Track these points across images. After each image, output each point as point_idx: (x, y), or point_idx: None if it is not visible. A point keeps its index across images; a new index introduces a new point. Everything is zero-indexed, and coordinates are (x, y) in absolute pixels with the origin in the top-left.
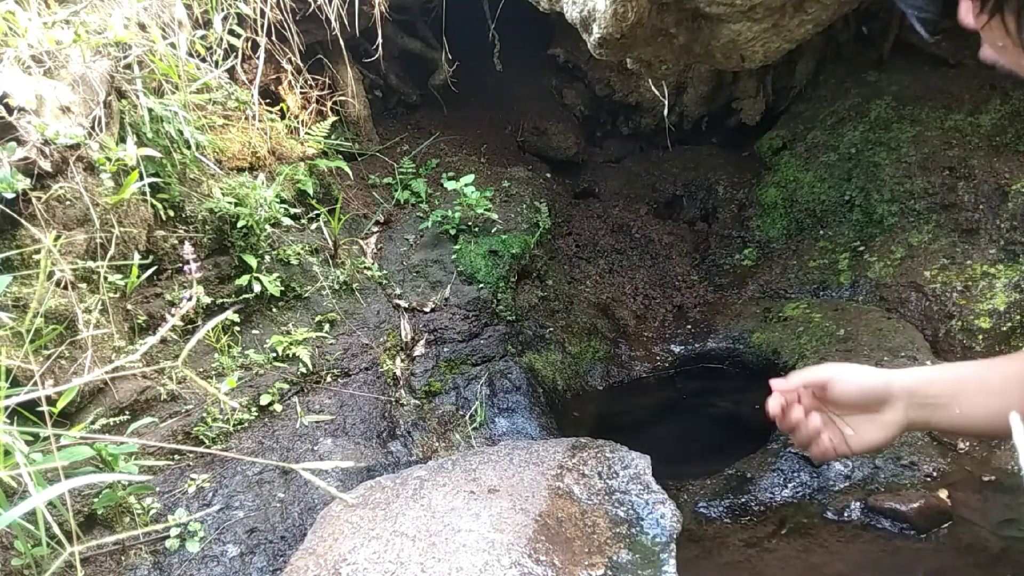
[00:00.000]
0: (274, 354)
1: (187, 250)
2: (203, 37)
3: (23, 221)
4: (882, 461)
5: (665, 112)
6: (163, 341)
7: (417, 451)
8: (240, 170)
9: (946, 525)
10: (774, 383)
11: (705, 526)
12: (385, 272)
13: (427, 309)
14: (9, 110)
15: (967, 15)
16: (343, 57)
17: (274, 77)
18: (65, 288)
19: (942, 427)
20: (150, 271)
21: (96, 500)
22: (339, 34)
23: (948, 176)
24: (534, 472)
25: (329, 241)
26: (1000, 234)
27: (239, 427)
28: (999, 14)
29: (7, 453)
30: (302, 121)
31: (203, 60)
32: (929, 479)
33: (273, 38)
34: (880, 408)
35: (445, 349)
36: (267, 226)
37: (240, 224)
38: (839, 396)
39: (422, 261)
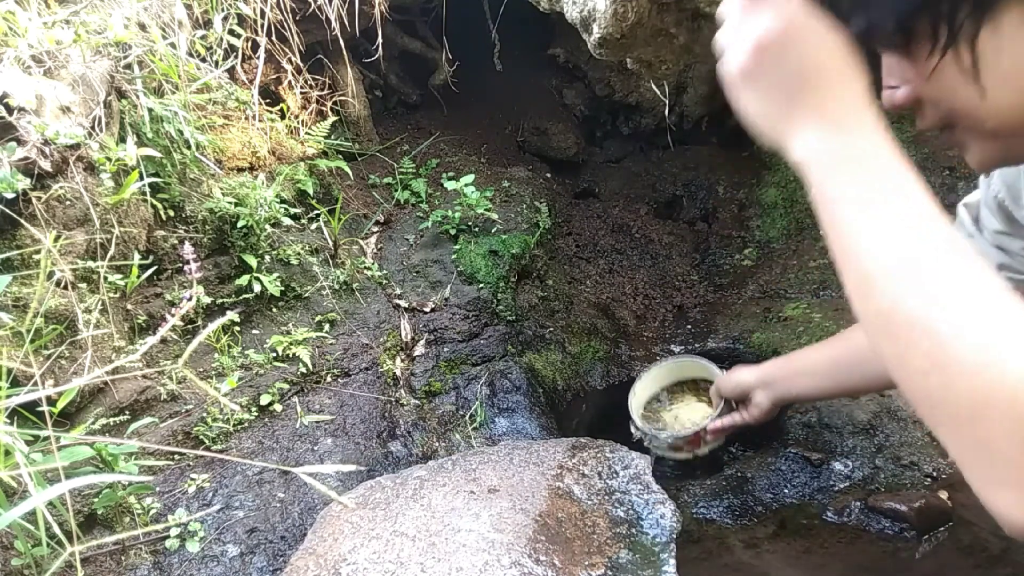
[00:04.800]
0: (274, 354)
1: (187, 250)
2: (203, 37)
3: (23, 221)
4: (882, 461)
5: (666, 112)
6: (163, 341)
7: (417, 451)
8: (240, 170)
9: (946, 526)
10: (713, 394)
11: (705, 527)
12: (385, 272)
13: (427, 309)
14: (9, 110)
15: (903, 85)
16: (343, 57)
17: (274, 77)
18: (65, 288)
19: (792, 400)
20: (150, 271)
21: (96, 500)
22: (339, 34)
23: (948, 176)
24: (534, 472)
25: (329, 241)
26: None
27: (239, 427)
28: (953, 48)
29: (7, 453)
30: (302, 121)
31: (203, 60)
32: (929, 479)
33: (273, 38)
34: (749, 396)
35: (445, 349)
36: (267, 226)
37: (240, 224)
38: (728, 395)
39: (422, 261)
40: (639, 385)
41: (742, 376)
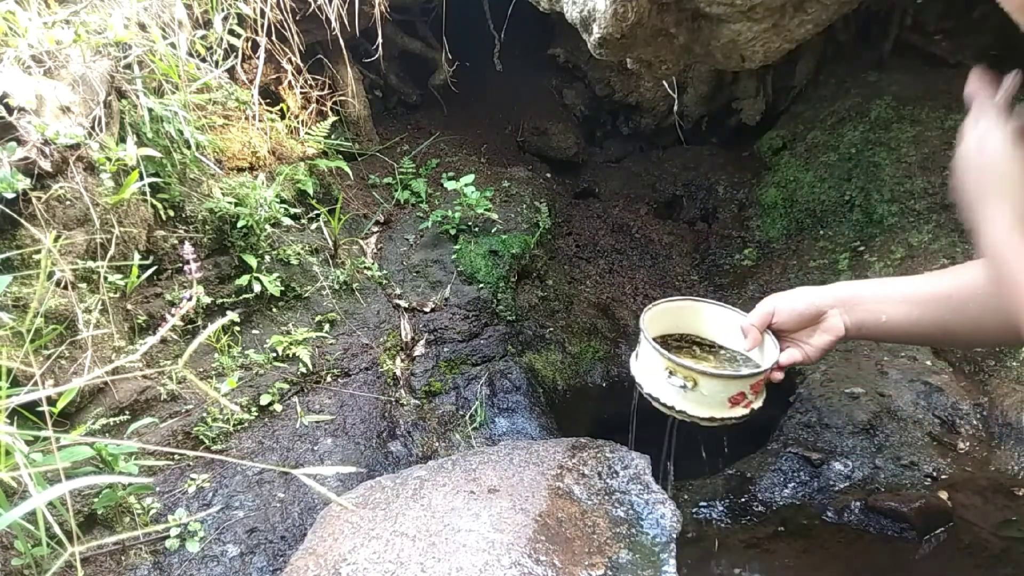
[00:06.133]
0: (274, 354)
1: (187, 250)
2: (203, 37)
3: (23, 221)
4: (882, 461)
5: (676, 107)
6: (163, 341)
7: (417, 451)
8: (240, 170)
9: (946, 526)
10: (742, 324)
11: (705, 527)
12: (385, 272)
13: (427, 309)
14: (9, 110)
15: None
16: (343, 57)
17: (274, 77)
18: (65, 288)
19: (873, 333)
20: (150, 271)
21: (96, 500)
22: (339, 34)
23: (948, 176)
24: (534, 472)
25: (329, 241)
26: None
27: (239, 427)
28: None
29: (7, 453)
30: (302, 121)
31: (203, 60)
32: (929, 479)
33: (273, 38)
34: (820, 320)
35: (445, 349)
36: (267, 226)
37: (240, 224)
38: (784, 322)
39: (422, 261)
40: (647, 328)
41: (812, 294)
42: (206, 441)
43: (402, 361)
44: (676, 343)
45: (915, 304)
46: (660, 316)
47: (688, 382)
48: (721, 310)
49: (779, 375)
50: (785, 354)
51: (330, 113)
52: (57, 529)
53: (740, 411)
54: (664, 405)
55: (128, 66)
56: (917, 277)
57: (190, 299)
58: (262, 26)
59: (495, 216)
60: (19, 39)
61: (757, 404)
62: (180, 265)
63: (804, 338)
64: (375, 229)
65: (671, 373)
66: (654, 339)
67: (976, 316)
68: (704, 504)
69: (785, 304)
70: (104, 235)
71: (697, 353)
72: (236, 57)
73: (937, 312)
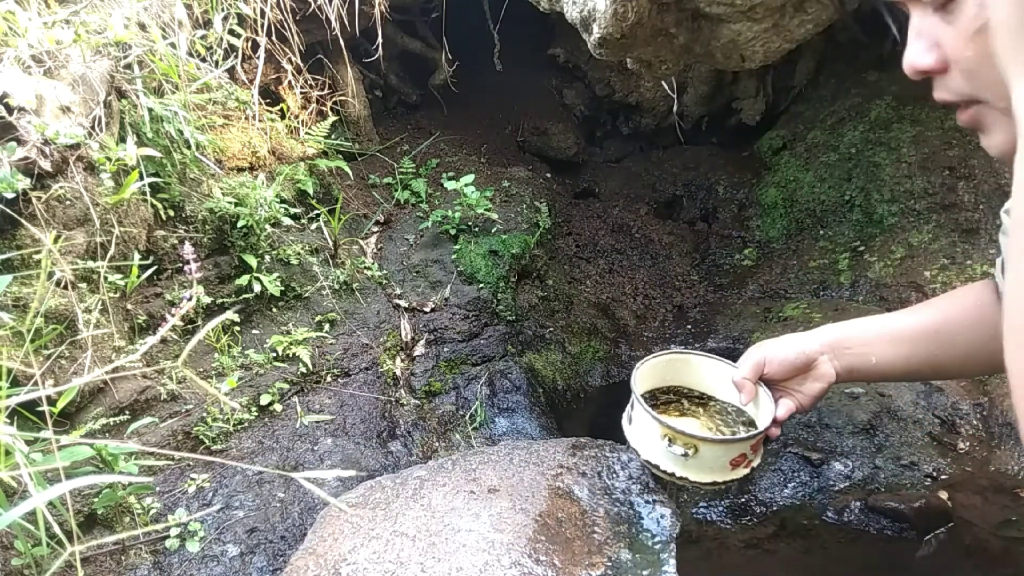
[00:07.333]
0: (274, 354)
1: (187, 250)
2: (203, 37)
3: (23, 221)
4: (882, 461)
5: (675, 107)
6: (163, 341)
7: (417, 451)
8: (240, 170)
9: (946, 526)
10: (735, 379)
11: (705, 527)
12: (385, 272)
13: (427, 309)
14: (9, 110)
15: (931, 48)
16: (343, 57)
17: (274, 77)
18: (65, 288)
19: (864, 375)
20: (150, 271)
21: (96, 500)
22: (339, 34)
23: (948, 176)
24: (534, 472)
25: (329, 241)
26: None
27: (239, 427)
28: None
29: (7, 453)
30: (302, 121)
31: (203, 60)
32: (929, 479)
33: (273, 38)
34: (811, 367)
35: (445, 349)
36: (267, 226)
37: (240, 224)
38: (775, 372)
39: (422, 261)
40: (638, 389)
41: (801, 342)
42: (206, 441)
43: (402, 361)
44: (664, 396)
45: (903, 342)
46: (649, 372)
47: (689, 449)
48: (710, 361)
49: (776, 431)
50: (782, 407)
51: (330, 113)
52: (57, 529)
53: (741, 472)
54: (664, 472)
55: (128, 66)
56: (903, 313)
57: (190, 299)
58: (262, 26)
59: (495, 216)
60: (19, 39)
61: (756, 462)
62: (180, 265)
63: (795, 386)
64: (375, 229)
65: (670, 441)
66: (643, 394)
67: (965, 349)
68: (704, 504)
69: (775, 354)
70: (104, 235)
71: (686, 406)
72: (236, 57)
73: (926, 348)
